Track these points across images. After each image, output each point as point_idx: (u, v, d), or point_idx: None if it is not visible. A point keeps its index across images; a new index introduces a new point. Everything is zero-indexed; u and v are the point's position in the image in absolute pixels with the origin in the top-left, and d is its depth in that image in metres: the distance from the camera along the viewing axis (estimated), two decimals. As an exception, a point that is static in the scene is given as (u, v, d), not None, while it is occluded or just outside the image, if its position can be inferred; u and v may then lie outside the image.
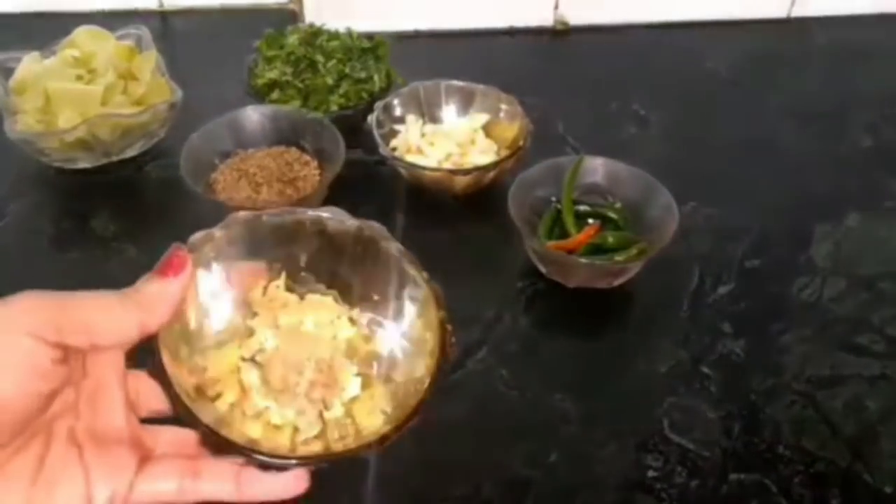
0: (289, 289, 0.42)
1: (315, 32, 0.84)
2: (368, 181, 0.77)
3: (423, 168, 0.73)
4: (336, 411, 0.39)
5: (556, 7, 0.99)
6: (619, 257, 0.66)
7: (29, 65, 0.76)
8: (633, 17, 1.01)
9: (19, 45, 0.78)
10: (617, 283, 0.67)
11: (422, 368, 0.39)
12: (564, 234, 0.69)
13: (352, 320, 0.42)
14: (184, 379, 0.37)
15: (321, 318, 0.42)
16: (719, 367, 0.63)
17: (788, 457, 0.57)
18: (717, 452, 0.57)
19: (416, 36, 0.97)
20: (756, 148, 0.85)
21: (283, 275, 0.42)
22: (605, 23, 1.01)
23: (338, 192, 0.72)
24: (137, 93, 0.77)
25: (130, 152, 0.78)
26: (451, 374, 0.61)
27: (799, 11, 1.03)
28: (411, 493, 0.55)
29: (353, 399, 0.40)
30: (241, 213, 0.39)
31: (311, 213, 0.41)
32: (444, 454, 0.56)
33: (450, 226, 0.75)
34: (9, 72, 0.76)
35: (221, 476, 0.34)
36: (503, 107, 0.78)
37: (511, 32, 1.00)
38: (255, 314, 0.41)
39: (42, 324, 0.31)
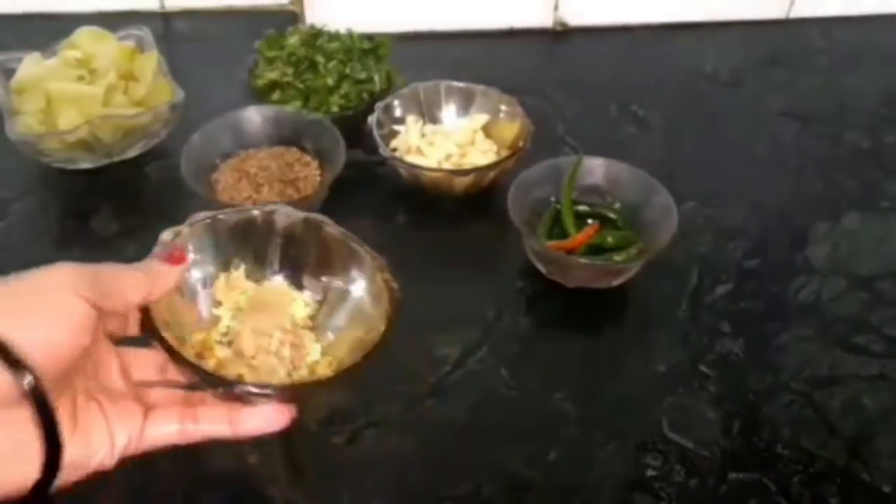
0: (248, 278, 0.47)
1: (315, 33, 0.84)
2: (369, 182, 0.77)
3: (423, 169, 0.73)
4: (302, 372, 0.44)
5: (556, 8, 0.99)
6: (618, 257, 0.67)
7: (30, 65, 0.76)
8: (632, 18, 1.01)
9: (20, 45, 0.78)
10: (616, 283, 0.67)
11: (377, 323, 0.43)
12: (564, 234, 0.69)
13: (305, 303, 0.48)
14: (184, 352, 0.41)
15: (279, 301, 0.47)
16: (718, 367, 0.63)
17: (787, 456, 0.57)
18: (716, 452, 0.57)
19: (416, 36, 0.97)
20: (755, 148, 0.85)
21: (242, 266, 0.47)
22: (605, 23, 1.01)
23: (338, 193, 0.72)
24: (138, 93, 0.77)
25: (131, 153, 0.78)
26: (451, 374, 0.61)
27: (797, 12, 1.03)
28: (411, 492, 0.55)
29: (316, 362, 0.45)
30: (202, 213, 0.45)
31: (259, 210, 0.47)
32: (444, 454, 0.57)
33: (450, 226, 0.75)
34: (10, 72, 0.76)
35: (217, 418, 0.40)
36: (503, 107, 0.79)
37: (511, 33, 1.01)
38: (219, 303, 0.46)
39: (85, 286, 0.35)
